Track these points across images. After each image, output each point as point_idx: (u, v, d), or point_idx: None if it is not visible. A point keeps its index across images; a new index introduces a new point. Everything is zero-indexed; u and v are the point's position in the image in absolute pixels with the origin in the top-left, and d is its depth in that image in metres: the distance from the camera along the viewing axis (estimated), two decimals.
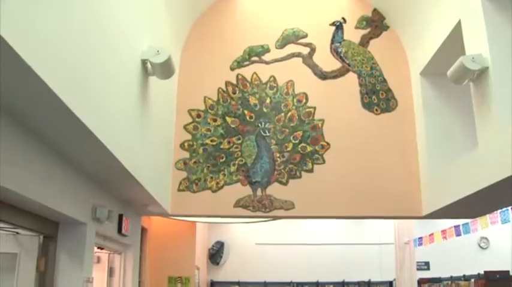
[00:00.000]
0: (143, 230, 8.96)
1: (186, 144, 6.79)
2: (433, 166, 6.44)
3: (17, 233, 4.17)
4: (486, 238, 17.29)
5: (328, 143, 6.86)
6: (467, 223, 9.89)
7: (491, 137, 4.86)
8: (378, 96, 7.09)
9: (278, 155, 6.79)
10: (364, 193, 6.70)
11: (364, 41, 7.31)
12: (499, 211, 8.32)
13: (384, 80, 7.17)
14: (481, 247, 17.41)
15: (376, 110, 7.05)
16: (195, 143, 6.80)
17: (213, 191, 6.67)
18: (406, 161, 6.85)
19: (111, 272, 6.21)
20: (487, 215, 8.78)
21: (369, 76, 7.16)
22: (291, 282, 16.86)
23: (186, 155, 6.77)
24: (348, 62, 7.20)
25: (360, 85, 7.13)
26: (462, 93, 6.15)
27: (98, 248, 5.59)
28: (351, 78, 7.17)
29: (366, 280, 17.09)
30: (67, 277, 4.44)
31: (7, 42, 2.14)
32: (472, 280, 12.77)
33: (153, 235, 10.81)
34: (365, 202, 6.69)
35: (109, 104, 3.78)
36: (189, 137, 6.82)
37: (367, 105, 7.06)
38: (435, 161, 6.45)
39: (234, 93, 7.02)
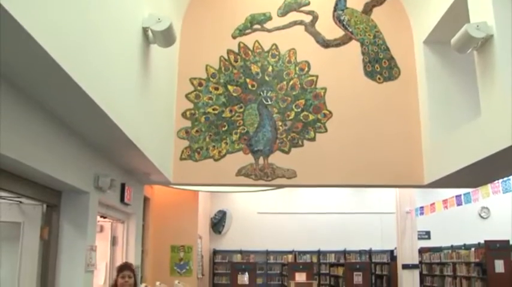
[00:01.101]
0: (146, 200, 9.00)
1: (187, 113, 6.77)
2: (435, 135, 6.43)
3: (20, 202, 4.19)
4: (487, 208, 17.39)
5: (330, 112, 6.83)
6: (468, 193, 9.91)
7: (495, 105, 4.83)
8: (380, 65, 7.03)
9: (280, 123, 6.77)
10: (366, 162, 6.70)
11: (367, 9, 7.21)
12: (500, 180, 8.32)
13: (387, 49, 7.10)
14: (481, 216, 17.52)
15: (379, 78, 7.00)
16: (197, 111, 6.77)
17: (215, 160, 6.67)
18: (409, 130, 6.83)
19: (114, 241, 6.26)
20: (489, 185, 8.79)
21: (371, 44, 7.09)
22: (293, 251, 17.01)
23: (188, 124, 6.75)
24: (350, 30, 7.12)
25: (363, 53, 7.07)
26: (465, 62, 6.11)
27: (101, 217, 5.63)
28: (354, 46, 7.10)
29: (367, 248, 17.26)
30: (71, 246, 4.48)
31: (6, 9, 2.11)
32: (473, 249, 12.86)
33: (155, 204, 10.86)
34: (367, 170, 6.70)
35: (110, 73, 3.75)
36: (191, 105, 6.79)
37: (370, 74, 7.01)
38: (437, 130, 6.44)
39: (236, 61, 6.97)
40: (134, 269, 4.99)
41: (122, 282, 4.73)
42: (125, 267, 4.91)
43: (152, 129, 5.43)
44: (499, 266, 11.35)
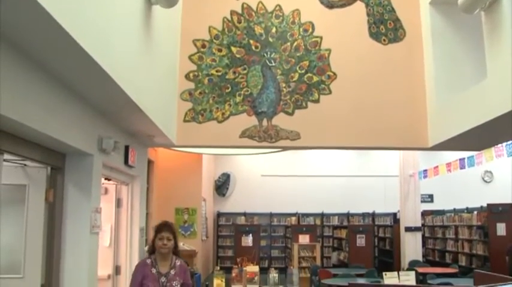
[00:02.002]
0: (150, 163, 9.03)
1: (191, 74, 6.71)
2: (440, 97, 6.38)
3: (25, 165, 4.20)
4: (490, 172, 17.44)
5: (334, 73, 6.77)
6: (472, 156, 9.89)
7: (501, 67, 4.77)
8: (385, 26, 6.93)
9: (284, 85, 6.72)
10: (370, 124, 6.67)
11: None
12: (505, 143, 8.28)
13: (392, 10, 6.98)
14: (484, 180, 17.58)
15: (384, 40, 6.91)
16: (200, 73, 6.72)
17: (219, 122, 6.64)
18: (413, 92, 6.78)
19: (118, 203, 6.30)
20: (493, 148, 8.76)
21: (376, 5, 6.97)
22: (296, 213, 17.16)
23: (192, 85, 6.70)
24: None
25: (368, 14, 6.95)
26: (472, 23, 6.00)
27: (105, 179, 5.65)
28: (359, 7, 6.98)
29: (370, 211, 17.39)
30: (75, 208, 4.51)
31: None
32: (475, 212, 12.95)
33: (159, 167, 10.91)
34: (371, 132, 6.68)
35: (111, 33, 3.70)
36: (194, 67, 6.73)
37: (375, 35, 6.91)
38: (443, 92, 6.38)
39: (239, 22, 6.87)
40: (175, 230, 4.50)
41: (160, 245, 4.30)
42: (164, 227, 4.41)
43: (155, 91, 5.40)
44: (501, 229, 11.44)
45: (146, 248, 6.92)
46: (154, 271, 4.27)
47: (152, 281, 4.21)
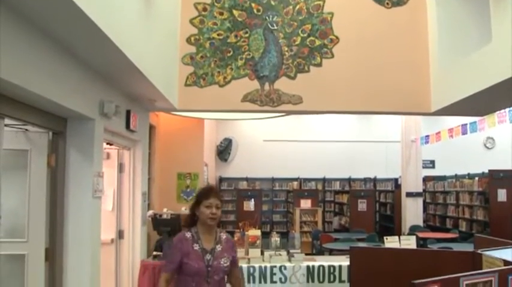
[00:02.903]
0: (151, 128, 9.02)
1: (192, 38, 6.64)
2: (443, 62, 6.31)
3: (27, 130, 4.19)
4: (492, 138, 17.44)
5: (337, 37, 6.68)
6: (474, 122, 9.85)
7: (506, 31, 4.69)
8: None
9: (286, 49, 6.64)
10: (373, 88, 6.62)
11: None
12: (507, 109, 8.24)
13: None
14: (486, 146, 17.60)
15: (387, 3, 6.79)
16: (201, 37, 6.64)
17: (221, 86, 6.60)
18: (417, 56, 6.70)
19: (120, 167, 6.31)
20: (495, 114, 8.72)
21: None
22: (298, 178, 17.24)
23: (193, 49, 6.63)
24: None
25: None
26: None
27: (107, 144, 5.65)
28: None
29: (372, 176, 17.47)
30: (78, 172, 4.52)
31: None
32: (476, 178, 13.00)
33: (161, 132, 10.90)
34: (374, 97, 6.63)
35: None
36: (195, 31, 6.65)
37: None
38: (446, 57, 6.31)
39: None
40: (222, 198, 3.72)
41: (208, 214, 3.51)
42: (211, 192, 3.62)
43: (156, 55, 5.35)
44: (502, 195, 11.50)
45: (149, 213, 6.99)
46: (197, 247, 3.50)
47: (196, 259, 3.45)
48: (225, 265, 3.54)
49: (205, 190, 3.67)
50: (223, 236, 3.68)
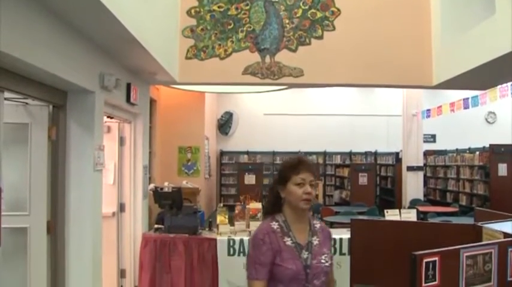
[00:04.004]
0: (152, 102, 9.00)
1: (192, 11, 6.57)
2: (446, 35, 6.26)
3: (27, 103, 4.17)
4: (493, 113, 17.42)
5: (338, 9, 6.61)
6: (476, 96, 9.83)
7: (511, 4, 4.63)
8: None
9: (287, 21, 6.57)
10: (374, 61, 6.58)
11: None
12: (510, 83, 8.21)
13: None
14: (488, 121, 17.57)
15: None
16: (202, 9, 6.57)
17: (221, 59, 6.55)
18: (419, 29, 6.65)
19: (121, 141, 6.31)
20: (497, 88, 8.69)
21: None
22: (299, 151, 17.24)
23: (193, 22, 6.57)
24: None
25: None
26: None
27: (108, 117, 5.63)
28: None
29: (373, 150, 17.48)
30: (79, 145, 4.52)
31: None
32: (477, 152, 13.01)
33: (162, 106, 10.89)
34: (375, 70, 6.59)
35: None
36: (196, 3, 6.58)
37: None
38: (449, 29, 6.25)
39: None
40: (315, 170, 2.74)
41: (299, 194, 2.52)
42: (303, 165, 2.60)
43: (156, 27, 5.31)
44: (502, 169, 11.52)
45: (150, 187, 7.00)
46: (289, 242, 2.53)
47: (292, 259, 2.49)
48: (327, 264, 2.60)
49: (294, 162, 2.65)
50: (317, 224, 2.74)
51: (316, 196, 13.45)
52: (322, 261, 2.57)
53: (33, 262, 4.14)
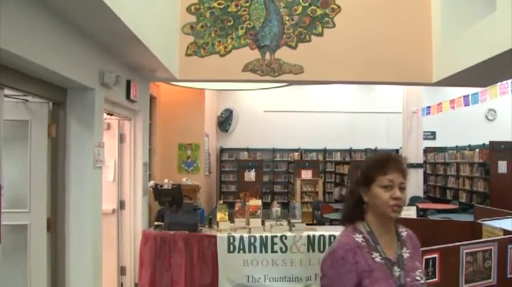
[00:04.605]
0: (152, 99, 9.00)
1: (192, 8, 6.56)
2: (446, 32, 6.25)
3: (26, 100, 4.17)
4: (494, 110, 17.41)
5: (339, 6, 6.60)
6: (476, 93, 9.82)
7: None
8: None
9: (287, 18, 6.56)
10: (374, 58, 6.57)
11: None
12: (510, 80, 8.21)
13: None
14: (488, 118, 17.56)
15: None
16: (201, 6, 6.56)
17: (221, 56, 6.54)
18: (419, 26, 6.64)
19: (121, 138, 6.31)
20: (497, 85, 8.69)
21: None
22: (299, 149, 17.25)
23: (193, 19, 6.56)
24: None
25: None
26: None
27: (108, 114, 5.63)
28: None
29: (373, 147, 17.47)
30: (79, 142, 4.52)
31: None
32: (477, 149, 13.01)
33: (162, 103, 10.89)
34: (375, 66, 6.59)
35: None
36: (196, 0, 6.56)
37: None
38: (449, 26, 6.25)
39: None
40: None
41: (386, 199, 2.08)
42: (392, 163, 2.14)
43: (156, 24, 5.31)
44: (502, 166, 11.52)
45: (150, 184, 7.00)
46: (378, 258, 2.08)
47: (385, 280, 2.04)
48: (422, 281, 2.14)
49: (381, 159, 2.19)
50: (404, 231, 2.27)
51: (316, 193, 13.49)
52: (417, 278, 2.11)
53: (33, 259, 4.14)
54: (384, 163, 2.14)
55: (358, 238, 2.11)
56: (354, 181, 2.28)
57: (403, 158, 2.21)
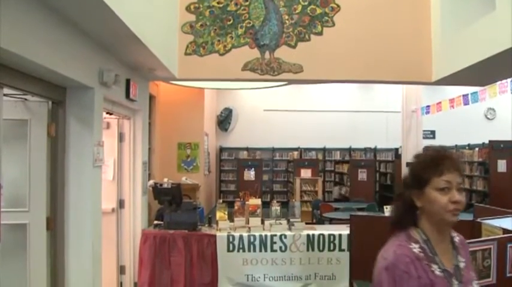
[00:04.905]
0: (152, 98, 8.99)
1: (192, 6, 6.55)
2: (446, 31, 6.25)
3: (26, 99, 4.17)
4: (493, 109, 17.40)
5: (338, 6, 6.60)
6: (475, 92, 9.81)
7: None
8: None
9: (287, 17, 6.56)
10: (374, 57, 6.57)
11: None
12: (509, 79, 8.20)
13: None
14: (487, 117, 17.55)
15: None
16: (201, 5, 6.55)
17: (221, 55, 6.54)
18: (418, 25, 6.64)
19: (121, 137, 6.31)
20: (496, 84, 8.68)
21: None
22: (299, 148, 17.25)
23: (193, 18, 6.55)
24: None
25: None
26: None
27: (107, 113, 5.63)
28: None
29: (372, 146, 17.47)
30: (78, 141, 4.52)
31: None
32: (477, 148, 12.99)
33: (161, 102, 10.89)
34: (375, 66, 6.59)
35: None
36: None
37: None
38: (448, 25, 6.24)
39: None
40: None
41: (444, 204, 1.84)
42: (448, 162, 1.89)
43: (156, 23, 5.30)
44: (502, 165, 11.50)
45: (150, 183, 7.00)
46: (438, 270, 1.85)
47: None
48: None
49: (435, 157, 1.92)
50: (456, 237, 2.03)
51: (316, 192, 13.48)
52: None
53: (32, 259, 4.15)
54: (439, 161, 1.89)
55: (415, 248, 1.86)
56: (402, 183, 2.03)
57: (458, 155, 1.78)
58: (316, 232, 6.25)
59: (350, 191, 14.31)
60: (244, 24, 6.55)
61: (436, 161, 1.88)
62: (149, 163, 7.95)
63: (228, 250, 6.05)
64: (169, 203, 6.23)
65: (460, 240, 2.02)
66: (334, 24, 6.60)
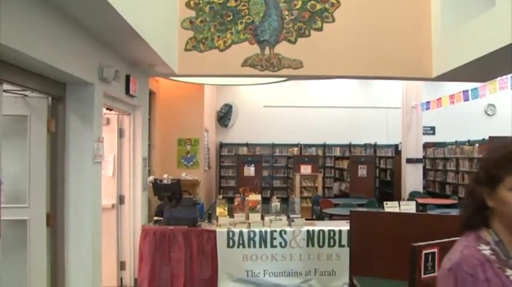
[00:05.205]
0: (152, 94, 8.98)
1: (192, 2, 6.54)
2: (446, 27, 6.24)
3: (26, 95, 4.17)
4: (493, 105, 17.39)
5: (338, 1, 6.59)
6: (476, 88, 9.80)
7: None
8: None
9: (287, 13, 6.55)
10: (374, 53, 6.57)
11: None
12: (509, 75, 8.18)
13: None
14: (487, 114, 17.54)
15: None
16: (201, 1, 6.54)
17: (221, 50, 6.53)
18: (419, 21, 6.63)
19: (120, 133, 6.31)
20: (497, 80, 8.67)
21: None
22: (298, 144, 17.24)
23: (192, 13, 6.55)
24: None
25: None
26: None
27: (107, 109, 5.63)
28: None
29: (372, 142, 17.47)
30: (78, 137, 4.53)
31: None
32: (476, 144, 13.00)
33: (161, 98, 10.87)
34: (375, 62, 6.58)
35: None
36: None
37: None
38: (448, 21, 6.24)
39: None
40: None
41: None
42: None
43: (156, 19, 5.30)
44: None
45: (150, 179, 7.00)
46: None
47: None
48: None
49: (508, 153, 1.66)
50: None
51: (316, 188, 13.50)
52: None
53: (33, 254, 4.15)
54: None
55: (485, 250, 1.63)
56: (473, 179, 1.79)
57: None
58: (316, 228, 6.25)
59: (350, 187, 14.32)
60: (244, 20, 6.54)
61: (510, 157, 1.63)
62: (149, 159, 7.95)
63: (228, 246, 6.05)
64: (169, 199, 6.22)
65: None
66: (334, 20, 6.59)
